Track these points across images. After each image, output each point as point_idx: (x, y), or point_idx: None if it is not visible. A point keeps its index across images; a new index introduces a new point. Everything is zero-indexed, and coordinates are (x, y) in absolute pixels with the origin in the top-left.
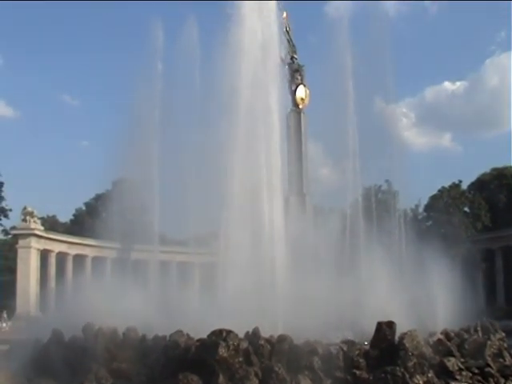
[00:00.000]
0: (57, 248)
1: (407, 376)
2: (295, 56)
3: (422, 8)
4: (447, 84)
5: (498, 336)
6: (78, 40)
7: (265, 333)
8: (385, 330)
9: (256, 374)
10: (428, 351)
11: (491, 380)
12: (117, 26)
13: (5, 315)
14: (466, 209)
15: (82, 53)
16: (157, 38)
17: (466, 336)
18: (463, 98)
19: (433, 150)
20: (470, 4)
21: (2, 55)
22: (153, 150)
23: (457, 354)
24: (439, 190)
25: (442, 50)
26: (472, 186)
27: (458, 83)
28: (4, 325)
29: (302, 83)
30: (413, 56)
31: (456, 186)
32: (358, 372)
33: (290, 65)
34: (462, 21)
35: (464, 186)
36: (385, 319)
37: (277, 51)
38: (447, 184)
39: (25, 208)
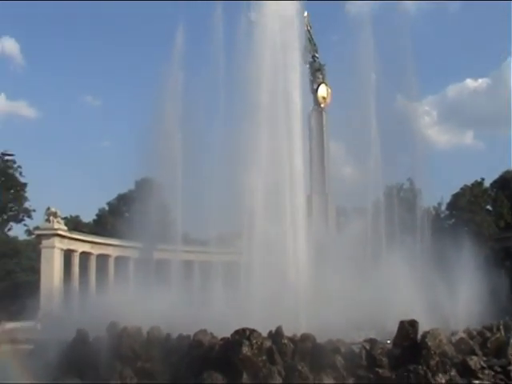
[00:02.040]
0: (80, 248)
1: (429, 374)
2: (316, 55)
3: (443, 5)
4: (469, 81)
5: None
6: (100, 41)
7: (288, 332)
8: (407, 328)
9: (279, 373)
10: (450, 350)
11: None
12: (139, 26)
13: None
14: (489, 207)
15: (104, 53)
16: (179, 41)
17: (488, 335)
18: (485, 95)
19: (455, 148)
20: (492, 1)
21: (24, 56)
22: (176, 150)
23: (479, 352)
24: (462, 188)
25: (464, 48)
26: (495, 183)
27: (480, 80)
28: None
29: (323, 82)
30: (434, 54)
31: (478, 184)
32: (380, 370)
33: (311, 64)
34: (484, 18)
35: (487, 184)
36: (407, 318)
37: (298, 51)
38: (470, 182)
39: (48, 208)
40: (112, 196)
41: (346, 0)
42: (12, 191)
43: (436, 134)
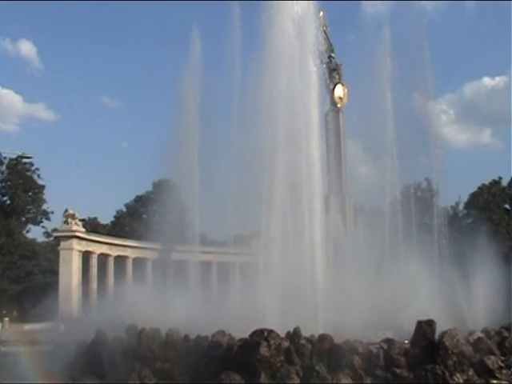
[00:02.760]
0: (98, 249)
1: (447, 374)
2: (333, 55)
3: (459, 3)
4: (486, 79)
5: None
6: (117, 42)
7: (305, 332)
8: (425, 328)
9: (297, 373)
10: (468, 349)
11: None
12: (157, 27)
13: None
14: (507, 205)
15: (121, 54)
16: (196, 43)
17: (506, 334)
18: (503, 93)
19: (473, 147)
20: None
21: (41, 59)
22: (193, 152)
23: (497, 352)
24: (479, 187)
25: (481, 45)
26: None
27: (498, 78)
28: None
29: (339, 82)
30: (451, 52)
31: (496, 183)
32: (398, 370)
33: (327, 64)
34: (501, 15)
35: (504, 183)
36: (425, 318)
37: (314, 51)
38: (487, 181)
39: (66, 210)
40: (130, 197)
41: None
42: (30, 193)
43: (453, 132)
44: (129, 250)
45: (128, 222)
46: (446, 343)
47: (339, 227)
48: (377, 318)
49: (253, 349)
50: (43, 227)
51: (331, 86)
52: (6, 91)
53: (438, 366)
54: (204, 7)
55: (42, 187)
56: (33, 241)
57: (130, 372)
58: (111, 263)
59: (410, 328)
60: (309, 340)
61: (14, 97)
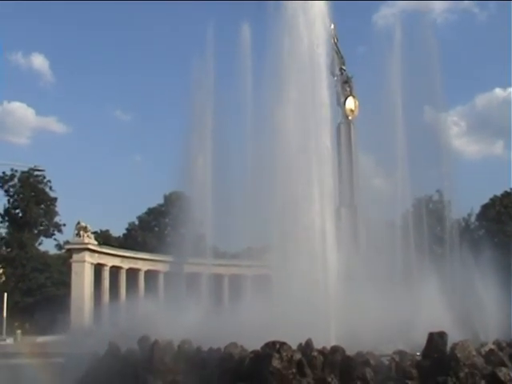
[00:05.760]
0: (110, 262)
1: None
2: (344, 67)
3: (470, 15)
4: (498, 91)
5: None
6: (128, 56)
7: (317, 344)
8: (436, 340)
9: None
10: (480, 361)
11: None
12: (167, 41)
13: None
14: None
15: (133, 68)
16: (209, 54)
17: None
18: None
19: (485, 158)
20: None
21: (53, 72)
22: (206, 164)
23: (509, 364)
24: (491, 199)
25: (492, 57)
26: None
27: (510, 89)
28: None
29: (351, 95)
30: (462, 64)
31: (508, 195)
32: (410, 382)
33: (338, 76)
34: (511, 27)
35: None
36: (436, 329)
37: (326, 63)
38: (499, 192)
39: (78, 223)
40: (142, 210)
41: (374, 12)
42: (42, 206)
43: (465, 144)
44: (140, 262)
45: (140, 235)
46: (458, 355)
47: (351, 239)
48: (388, 330)
49: (265, 361)
50: (55, 240)
51: (342, 99)
52: (18, 104)
53: (449, 378)
54: (217, 23)
55: (54, 200)
56: (45, 253)
57: None
58: (123, 276)
59: (422, 340)
60: (321, 352)
61: (26, 110)
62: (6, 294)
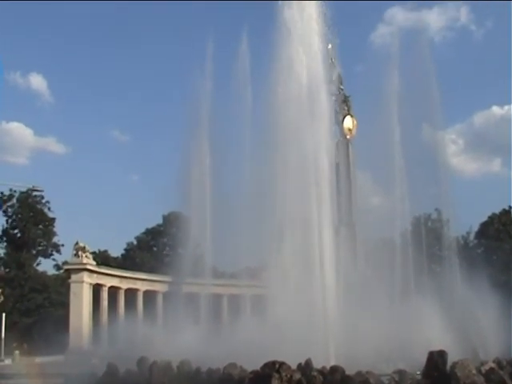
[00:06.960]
0: (109, 282)
1: None
2: (341, 87)
3: (467, 33)
4: (495, 108)
5: None
6: (126, 76)
7: (317, 363)
8: (436, 359)
9: None
10: (480, 380)
11: None
12: (165, 61)
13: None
14: None
15: (130, 88)
16: (207, 80)
17: None
18: None
19: (483, 176)
20: None
21: (51, 92)
22: (204, 185)
23: (509, 382)
24: (490, 217)
25: (489, 75)
26: None
27: (507, 107)
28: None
29: (349, 114)
30: (460, 82)
31: (506, 213)
32: None
33: (336, 96)
34: (508, 44)
35: None
36: (436, 348)
37: (324, 83)
38: (498, 210)
39: (77, 243)
40: (140, 230)
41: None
42: (41, 226)
43: (463, 162)
44: (139, 282)
45: (138, 255)
46: (458, 374)
47: (349, 258)
48: (388, 349)
49: (264, 381)
50: (54, 260)
51: (340, 118)
52: (16, 124)
53: None
54: (214, 39)
55: (53, 220)
56: (43, 273)
57: None
58: (122, 296)
59: (422, 359)
60: (320, 372)
61: (24, 130)
62: (4, 315)
